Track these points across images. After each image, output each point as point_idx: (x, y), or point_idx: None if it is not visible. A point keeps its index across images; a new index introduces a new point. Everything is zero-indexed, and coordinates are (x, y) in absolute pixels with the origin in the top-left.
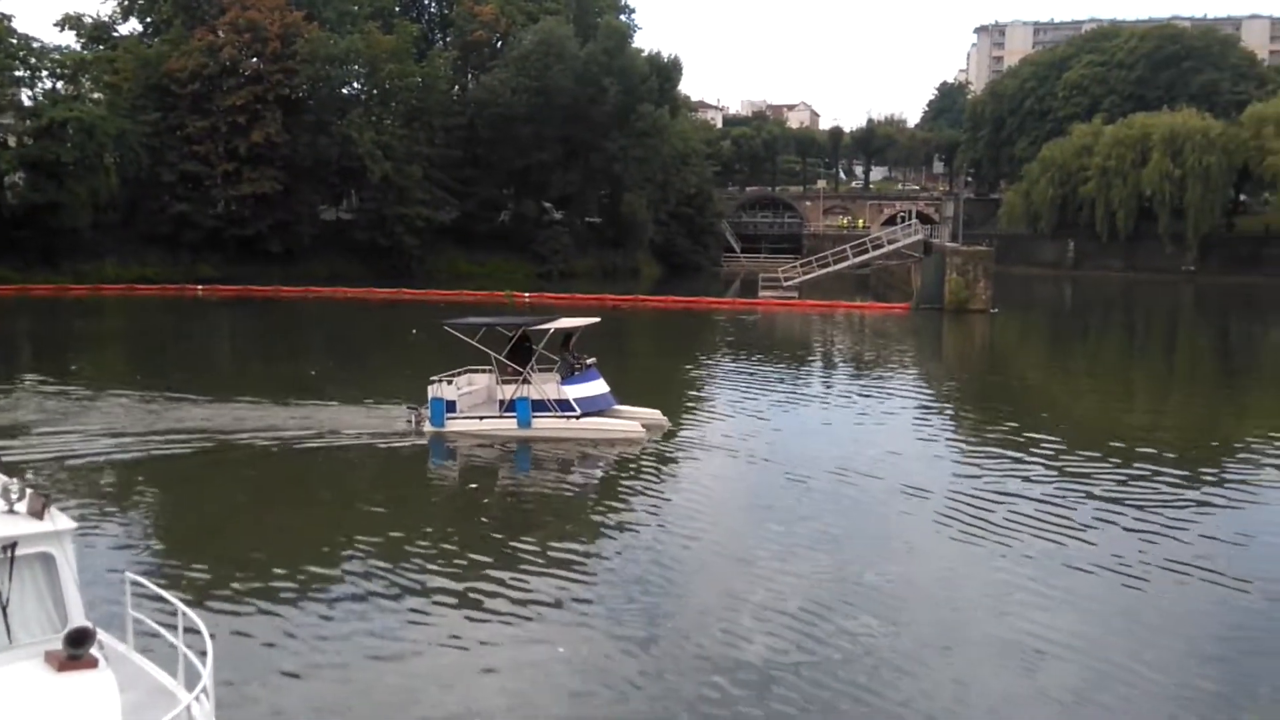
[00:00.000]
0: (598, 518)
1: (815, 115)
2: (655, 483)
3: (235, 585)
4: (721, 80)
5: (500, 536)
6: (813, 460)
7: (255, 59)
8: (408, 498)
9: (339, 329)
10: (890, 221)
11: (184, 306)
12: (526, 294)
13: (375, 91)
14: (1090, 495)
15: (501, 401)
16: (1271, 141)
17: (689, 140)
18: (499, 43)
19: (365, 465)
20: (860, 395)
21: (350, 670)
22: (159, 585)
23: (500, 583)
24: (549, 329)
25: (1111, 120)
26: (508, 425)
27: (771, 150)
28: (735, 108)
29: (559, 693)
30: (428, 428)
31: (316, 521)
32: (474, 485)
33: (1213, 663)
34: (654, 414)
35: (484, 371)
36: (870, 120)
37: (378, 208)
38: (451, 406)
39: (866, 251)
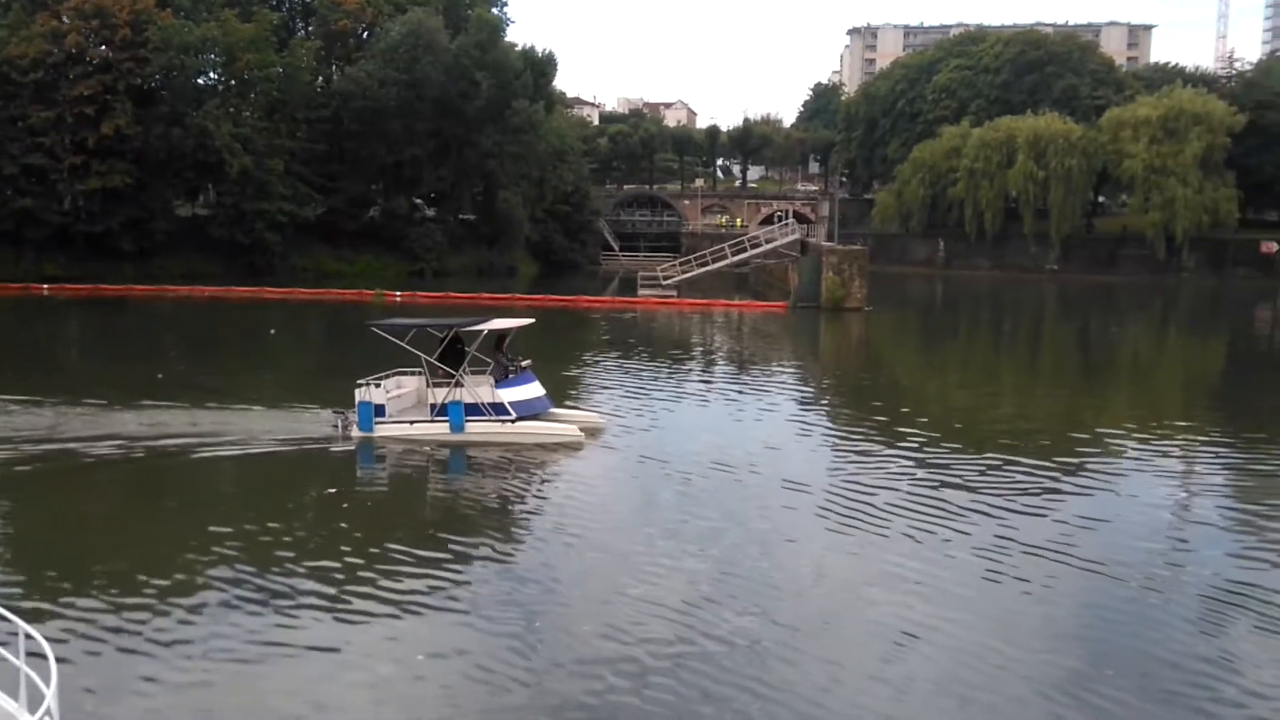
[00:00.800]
0: (483, 519)
1: (692, 114)
2: (536, 482)
3: (96, 598)
4: (598, 77)
5: (394, 542)
6: (694, 456)
7: (104, 46)
8: (309, 506)
9: (194, 329)
10: (768, 221)
11: (28, 306)
12: (398, 293)
13: (233, 82)
14: (959, 485)
15: (433, 405)
16: (1129, 145)
17: (565, 137)
18: (365, 33)
19: (280, 472)
20: (739, 392)
21: (214, 675)
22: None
23: (375, 585)
24: (482, 330)
25: (979, 123)
26: (440, 429)
27: (649, 148)
28: (612, 105)
29: (429, 691)
30: (355, 433)
31: (188, 530)
32: (391, 491)
33: (1070, 640)
34: (591, 416)
35: (413, 374)
36: (747, 119)
37: (236, 203)
38: (380, 411)
39: (745, 251)
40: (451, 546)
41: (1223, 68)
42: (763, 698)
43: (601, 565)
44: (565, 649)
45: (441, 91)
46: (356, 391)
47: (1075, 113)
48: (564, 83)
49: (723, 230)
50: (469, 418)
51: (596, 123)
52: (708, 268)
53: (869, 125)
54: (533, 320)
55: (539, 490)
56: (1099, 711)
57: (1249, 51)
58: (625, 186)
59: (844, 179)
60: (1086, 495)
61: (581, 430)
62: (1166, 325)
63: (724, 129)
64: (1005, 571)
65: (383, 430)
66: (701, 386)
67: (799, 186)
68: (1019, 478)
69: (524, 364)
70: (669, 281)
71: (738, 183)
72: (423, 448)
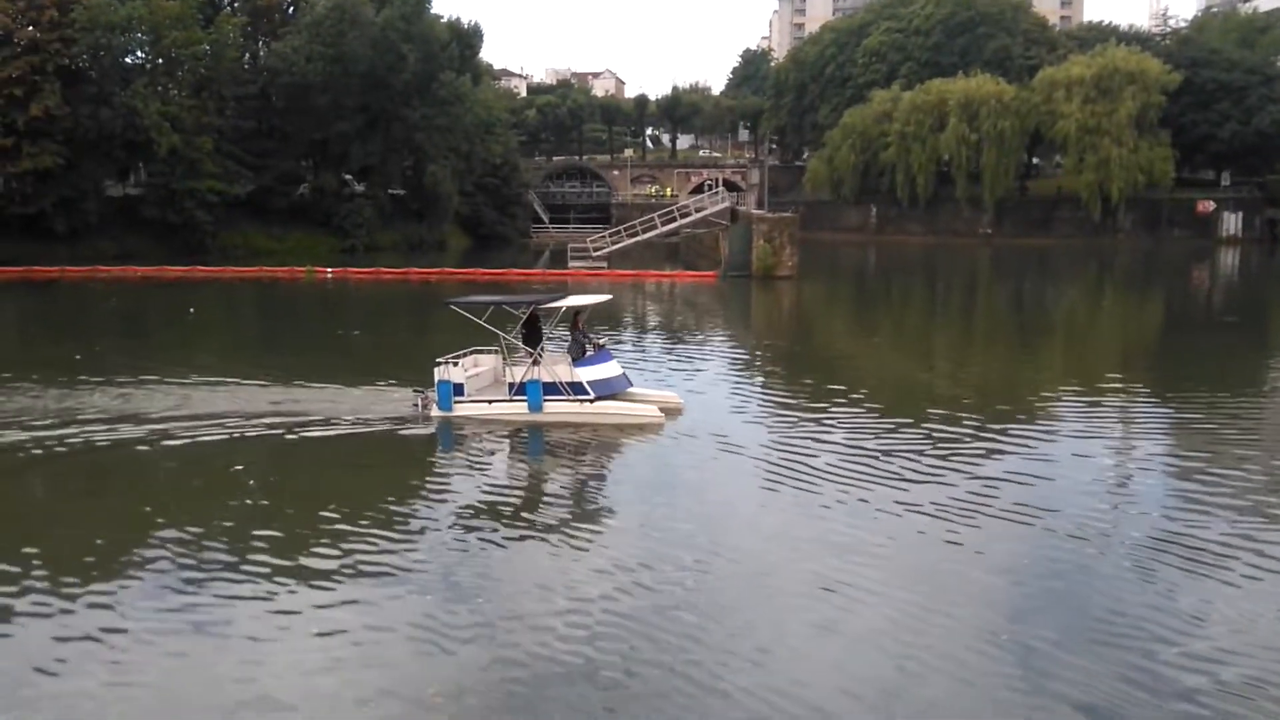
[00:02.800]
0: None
1: (621, 83)
2: (465, 465)
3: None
4: (525, 48)
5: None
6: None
7: (31, 27)
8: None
9: (128, 309)
10: (698, 189)
11: None
12: (329, 270)
13: (160, 60)
14: (896, 448)
15: (511, 384)
16: (1062, 105)
17: (493, 109)
18: (290, 8)
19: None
20: (673, 361)
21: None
22: None
23: (334, 557)
24: (560, 306)
25: (910, 86)
26: (518, 409)
27: (577, 119)
28: (539, 76)
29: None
30: (435, 412)
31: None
32: (463, 473)
33: (1011, 591)
34: (670, 397)
35: (490, 352)
36: (675, 88)
37: (167, 182)
38: (460, 390)
39: (675, 220)
40: (525, 531)
41: (1157, 25)
42: (694, 662)
43: (539, 528)
44: (510, 614)
45: (368, 65)
46: (435, 370)
47: (1008, 73)
48: (491, 54)
49: (653, 200)
50: (547, 397)
51: (524, 94)
52: (638, 238)
53: (799, 91)
54: (610, 296)
55: (461, 470)
56: (1038, 657)
57: (1184, 9)
58: (554, 158)
59: (774, 146)
60: (1023, 453)
61: (661, 410)
62: (1102, 287)
63: (653, 98)
64: (944, 528)
65: (461, 409)
66: (635, 356)
67: (729, 155)
68: (955, 439)
69: (600, 341)
70: (599, 253)
71: (667, 153)
72: (501, 428)
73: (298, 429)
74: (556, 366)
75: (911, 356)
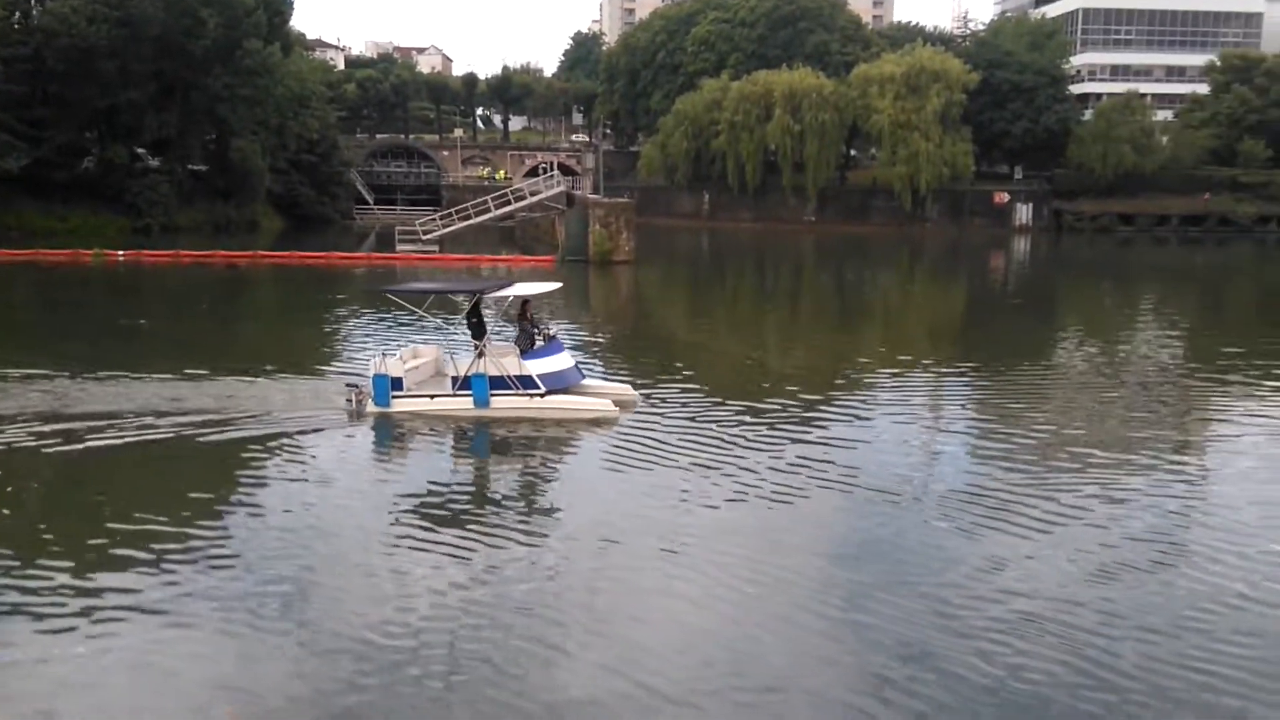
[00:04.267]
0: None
1: (448, 60)
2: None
3: None
4: (341, 18)
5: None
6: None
7: None
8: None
9: None
10: (532, 173)
11: None
12: (120, 252)
13: None
14: (729, 419)
15: (454, 378)
16: (876, 101)
17: (306, 81)
18: None
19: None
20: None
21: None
22: None
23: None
24: (508, 295)
25: (738, 76)
26: (463, 405)
27: (402, 95)
28: (359, 48)
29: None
30: (370, 408)
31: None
32: (399, 474)
33: (838, 549)
34: (625, 389)
35: (430, 345)
36: (506, 68)
37: None
38: (397, 384)
39: (509, 203)
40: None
41: (958, 27)
42: (527, 654)
43: (371, 525)
44: (363, 593)
45: (162, 29)
46: (371, 362)
47: (827, 68)
48: (303, 23)
49: (485, 182)
50: (494, 392)
51: (342, 67)
52: (470, 221)
53: (631, 77)
54: (560, 285)
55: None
56: (862, 600)
57: (982, 13)
58: (378, 136)
59: (609, 131)
60: (846, 422)
61: (616, 404)
62: (913, 272)
63: (482, 77)
64: (778, 492)
65: (400, 405)
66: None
67: (564, 138)
68: (785, 410)
69: (551, 332)
70: (429, 236)
71: (499, 134)
72: (444, 425)
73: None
74: (504, 359)
75: (745, 337)
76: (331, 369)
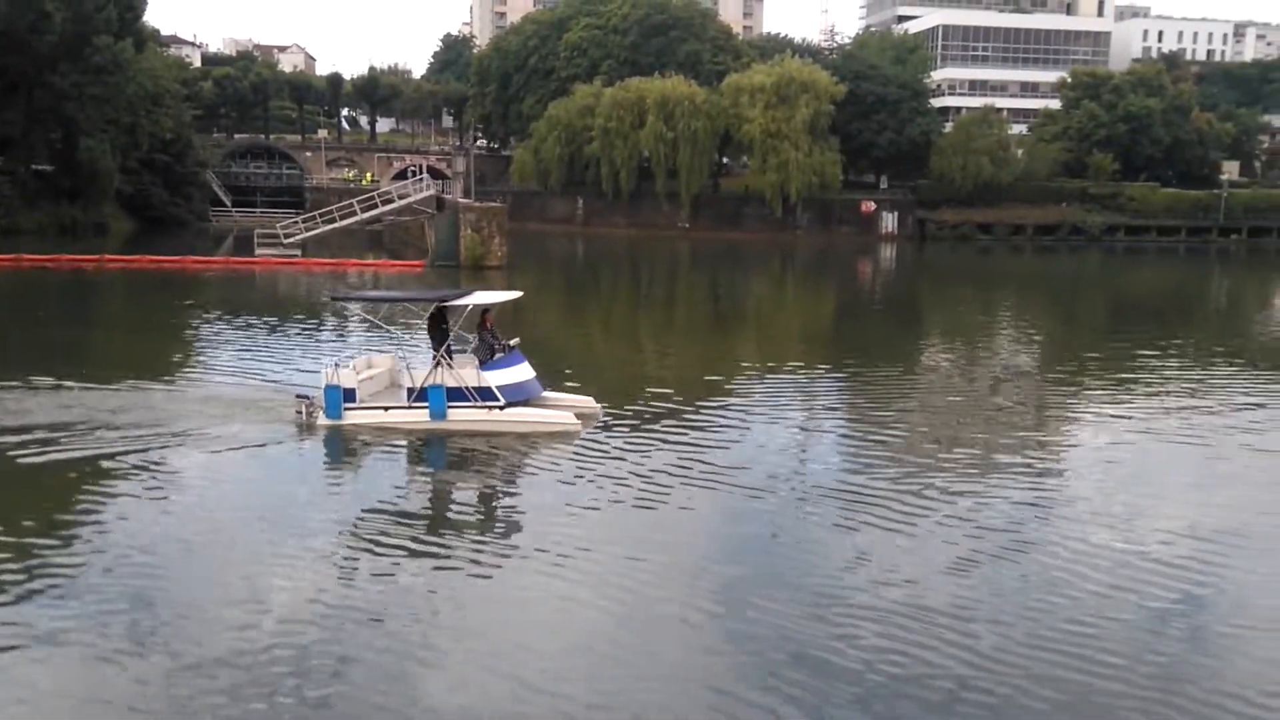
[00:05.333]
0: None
1: (311, 59)
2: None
3: None
4: (198, 14)
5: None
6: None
7: None
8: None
9: None
10: (401, 175)
11: None
12: None
13: None
14: (609, 422)
15: (410, 389)
16: (747, 110)
17: (160, 79)
18: None
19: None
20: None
21: None
22: None
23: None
24: (466, 304)
25: (611, 83)
26: (418, 417)
27: (262, 94)
28: (216, 45)
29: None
30: (322, 420)
31: None
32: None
33: (709, 540)
34: (586, 401)
35: (385, 354)
36: (373, 68)
37: None
38: (350, 395)
39: (376, 207)
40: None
41: (826, 40)
42: (392, 651)
43: (226, 540)
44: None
45: (4, 24)
46: (323, 373)
47: (699, 77)
48: (157, 19)
49: (351, 185)
50: (452, 404)
51: (199, 64)
52: (335, 225)
53: (503, 80)
54: (521, 294)
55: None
56: (736, 591)
57: (848, 26)
58: (236, 136)
59: (479, 134)
60: (721, 423)
61: (578, 416)
62: (785, 278)
63: (348, 77)
64: (656, 491)
65: (353, 417)
66: (338, 346)
67: (433, 141)
68: (662, 413)
69: (512, 343)
70: (291, 240)
71: (366, 136)
72: (399, 438)
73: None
74: (462, 370)
75: (621, 341)
76: (187, 378)
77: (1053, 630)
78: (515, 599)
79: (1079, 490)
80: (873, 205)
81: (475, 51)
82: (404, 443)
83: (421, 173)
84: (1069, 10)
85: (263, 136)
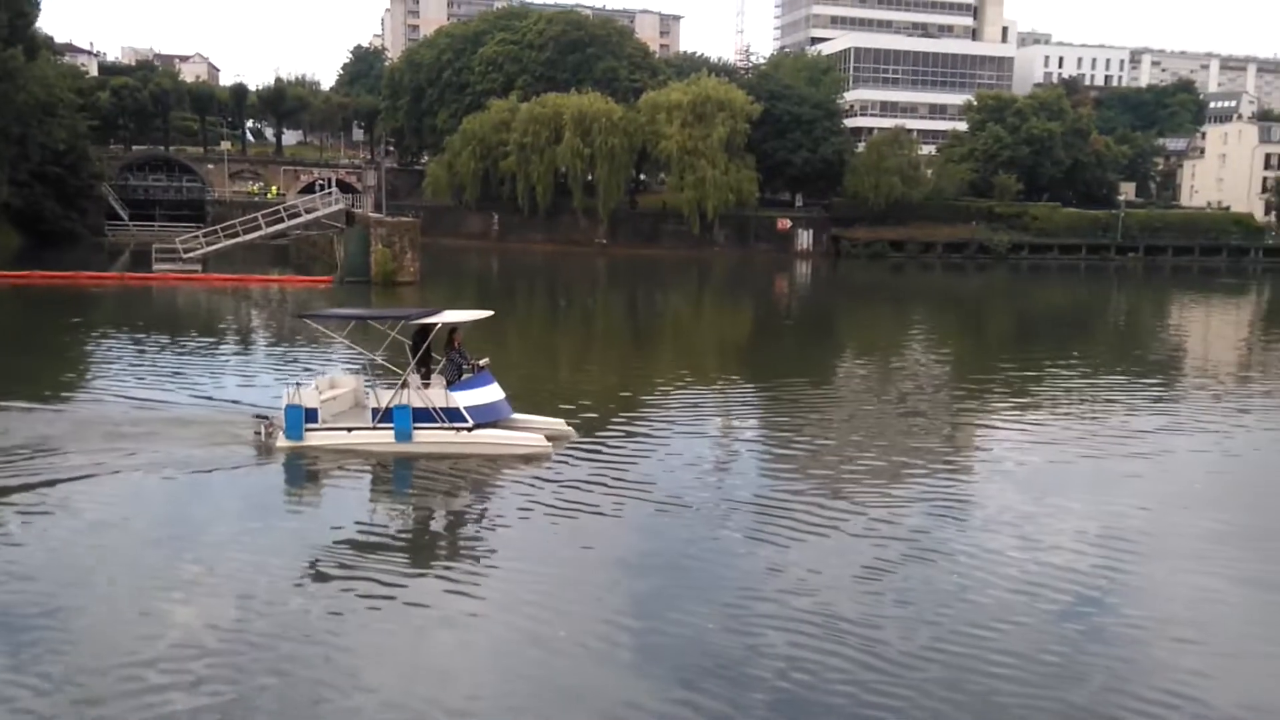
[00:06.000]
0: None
1: (214, 69)
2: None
3: None
4: (96, 22)
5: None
6: (242, 433)
7: None
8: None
9: None
10: (309, 189)
11: None
12: None
13: None
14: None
15: (375, 410)
16: (664, 127)
17: (54, 88)
18: None
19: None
20: (288, 370)
21: None
22: None
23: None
24: (435, 323)
25: (527, 98)
26: (383, 438)
27: (163, 105)
28: (115, 54)
29: None
30: (281, 442)
31: None
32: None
33: (623, 553)
34: (558, 423)
35: (349, 374)
36: (280, 79)
37: None
38: (312, 415)
39: (282, 221)
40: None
41: (741, 60)
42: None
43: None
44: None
45: None
46: (284, 392)
47: (616, 94)
48: (52, 26)
49: (256, 198)
50: (418, 425)
51: (95, 73)
52: (239, 239)
53: (415, 93)
54: (491, 313)
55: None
56: (650, 604)
57: (763, 47)
58: (135, 148)
59: (391, 148)
60: (638, 437)
61: (548, 439)
62: (703, 294)
63: (253, 88)
64: (569, 509)
65: (315, 439)
66: (241, 364)
67: (343, 155)
68: (579, 428)
69: (481, 363)
70: (191, 255)
71: (272, 148)
72: (363, 460)
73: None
74: (430, 390)
75: (537, 358)
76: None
77: (956, 634)
78: (418, 621)
79: (982, 498)
80: (789, 223)
81: (387, 64)
82: (358, 465)
83: (331, 186)
84: (975, 36)
85: (162, 148)
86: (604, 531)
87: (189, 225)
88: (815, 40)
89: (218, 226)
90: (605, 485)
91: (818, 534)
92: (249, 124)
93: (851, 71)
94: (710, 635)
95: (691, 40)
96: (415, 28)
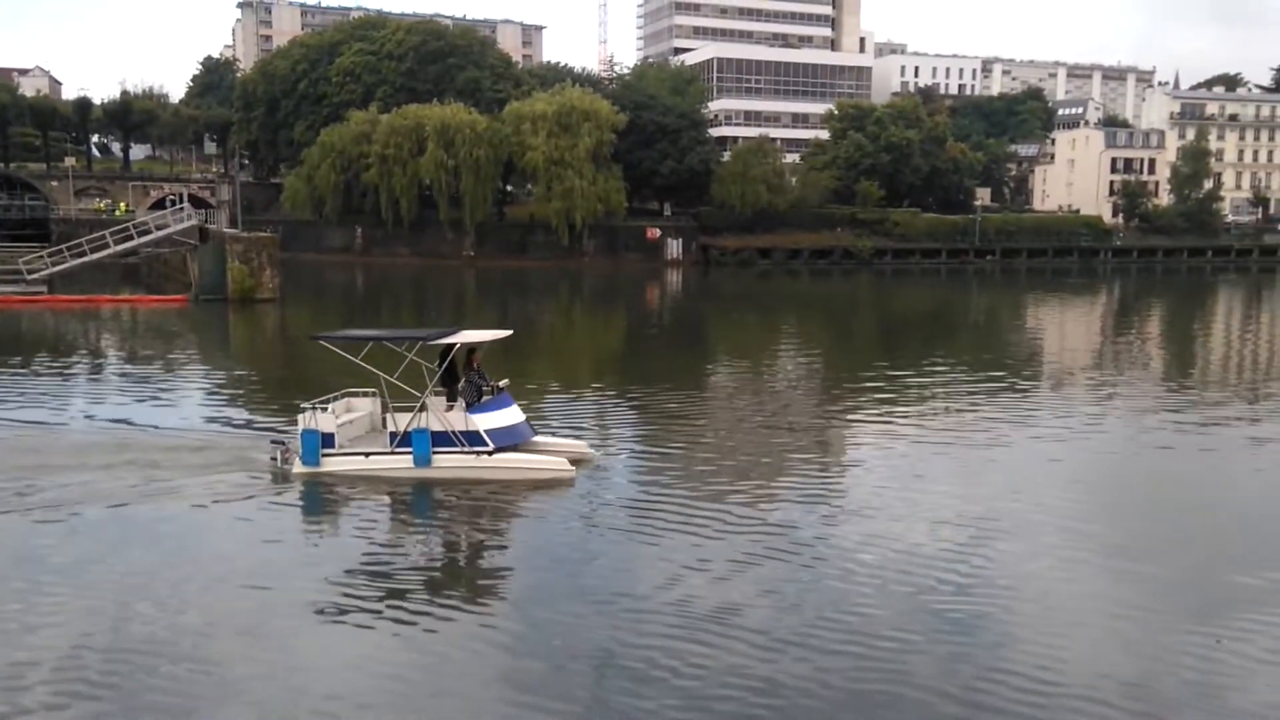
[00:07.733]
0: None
1: (56, 83)
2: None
3: None
4: None
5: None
6: (88, 455)
7: None
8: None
9: None
10: (159, 205)
11: None
12: None
13: None
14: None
15: (393, 434)
16: (530, 138)
17: None
18: None
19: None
20: (145, 392)
21: None
22: None
23: None
24: (454, 343)
25: (387, 109)
26: (401, 463)
27: (1, 120)
28: None
29: None
30: (298, 467)
31: None
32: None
33: (512, 561)
34: (579, 445)
35: (366, 397)
36: (126, 92)
37: None
38: (329, 440)
39: (132, 239)
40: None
41: (605, 70)
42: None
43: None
44: None
45: None
46: (300, 417)
47: (479, 104)
48: None
49: (104, 216)
50: (437, 449)
51: None
52: (86, 259)
53: (270, 105)
54: (510, 332)
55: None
56: (537, 609)
57: (626, 57)
58: None
59: (246, 161)
60: None
61: (572, 462)
62: (574, 305)
63: (98, 101)
64: (457, 516)
65: (331, 465)
66: (90, 389)
67: (195, 169)
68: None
69: (501, 384)
70: (35, 276)
71: (119, 163)
72: (381, 486)
73: None
74: (449, 413)
75: (405, 373)
76: None
77: (855, 633)
78: (312, 632)
79: (855, 491)
80: (658, 232)
81: (239, 75)
82: (376, 492)
83: (182, 202)
84: (833, 46)
85: (1, 165)
86: (491, 535)
87: (33, 245)
88: (678, 50)
89: (64, 246)
90: (479, 497)
91: (696, 532)
92: (94, 139)
93: (715, 81)
94: (602, 637)
95: (555, 50)
96: (268, 38)
